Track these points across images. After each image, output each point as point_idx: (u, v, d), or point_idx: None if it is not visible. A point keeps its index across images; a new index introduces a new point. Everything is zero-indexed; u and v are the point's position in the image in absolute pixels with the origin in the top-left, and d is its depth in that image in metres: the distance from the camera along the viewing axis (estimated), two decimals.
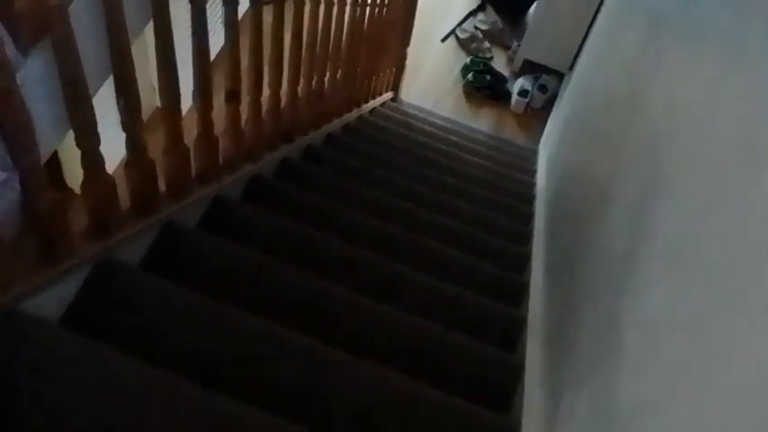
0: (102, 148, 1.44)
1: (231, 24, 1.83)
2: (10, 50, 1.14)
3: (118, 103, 1.47)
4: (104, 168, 1.47)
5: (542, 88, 4.68)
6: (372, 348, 1.73)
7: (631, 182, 1.74)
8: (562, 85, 4.61)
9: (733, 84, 1.21)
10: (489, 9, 5.11)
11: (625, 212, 1.69)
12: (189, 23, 1.66)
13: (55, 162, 2.58)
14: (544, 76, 4.72)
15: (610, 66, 2.87)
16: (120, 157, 1.65)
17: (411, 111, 4.33)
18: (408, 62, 4.38)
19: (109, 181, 1.51)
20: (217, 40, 1.97)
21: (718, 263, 0.99)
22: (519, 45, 4.78)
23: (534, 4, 4.69)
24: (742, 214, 0.97)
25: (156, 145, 1.70)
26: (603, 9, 3.88)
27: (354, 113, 3.49)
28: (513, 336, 2.11)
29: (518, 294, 2.37)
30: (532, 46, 4.67)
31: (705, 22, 1.59)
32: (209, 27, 1.68)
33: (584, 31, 4.26)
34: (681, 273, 1.14)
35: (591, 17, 4.16)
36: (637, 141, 1.84)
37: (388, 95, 4.28)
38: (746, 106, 1.09)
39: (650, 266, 1.32)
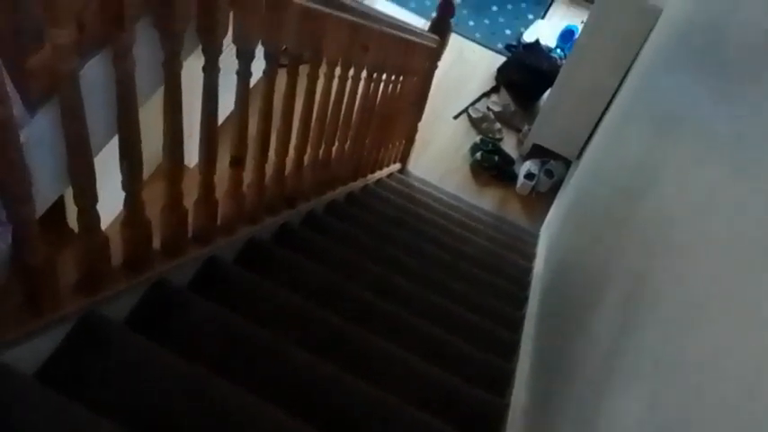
0: (101, 200, 1.46)
1: (242, 91, 1.87)
2: (17, 107, 1.17)
3: (121, 164, 1.49)
4: (99, 226, 1.49)
5: (549, 173, 4.71)
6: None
7: (621, 283, 1.75)
8: (568, 173, 4.64)
9: (732, 193, 1.22)
10: (503, 91, 5.18)
11: (613, 313, 1.69)
12: (199, 88, 1.69)
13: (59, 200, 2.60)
14: (551, 162, 4.76)
15: (614, 162, 2.90)
16: (119, 210, 1.67)
17: (417, 184, 4.36)
18: (419, 136, 4.43)
19: (102, 239, 1.52)
20: (226, 104, 2.01)
21: (701, 372, 0.99)
22: (529, 129, 4.84)
23: (548, 92, 4.76)
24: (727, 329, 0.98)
25: (155, 196, 1.72)
26: (614, 105, 3.94)
27: (360, 183, 3.52)
28: (493, 427, 2.09)
29: (503, 383, 2.35)
30: (542, 131, 4.72)
31: (709, 128, 1.62)
32: (220, 91, 1.72)
33: (594, 123, 4.31)
34: (660, 379, 1.14)
35: (601, 111, 4.22)
36: (631, 243, 1.85)
37: (395, 167, 4.32)
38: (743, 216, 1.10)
39: (629, 373, 1.32)
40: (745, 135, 1.32)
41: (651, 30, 3.64)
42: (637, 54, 3.79)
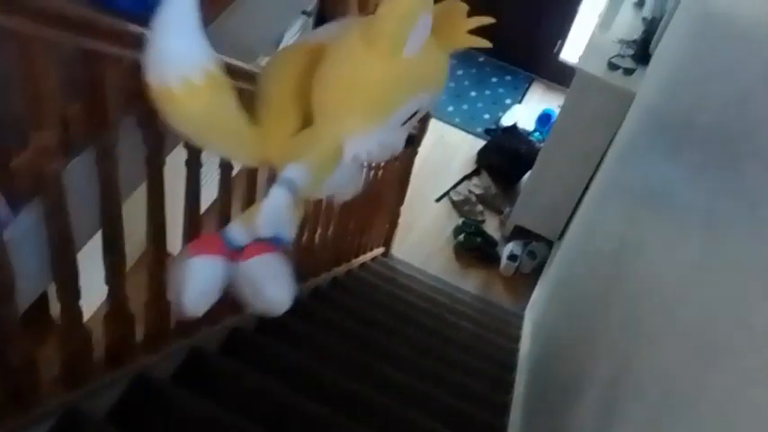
0: (84, 289, 1.47)
1: (225, 181, 1.90)
2: (1, 207, 1.19)
3: (104, 259, 1.51)
4: (81, 321, 1.50)
5: (532, 254, 4.75)
6: None
7: (604, 367, 1.76)
8: (551, 253, 4.68)
9: (710, 270, 1.24)
10: (484, 174, 5.26)
11: (595, 397, 1.70)
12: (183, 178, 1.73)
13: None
14: (534, 243, 4.81)
15: (594, 243, 2.94)
16: (102, 300, 1.67)
17: (401, 268, 4.38)
18: (401, 219, 4.47)
19: (84, 334, 1.52)
20: (209, 195, 2.04)
21: None
22: (511, 211, 4.89)
23: (528, 174, 4.84)
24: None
25: (140, 286, 1.74)
26: (592, 186, 4.01)
27: (343, 268, 3.54)
28: None
29: None
30: (524, 213, 4.78)
31: (681, 209, 1.65)
32: (203, 181, 1.75)
33: (574, 204, 4.38)
34: None
35: (580, 192, 4.28)
36: (612, 326, 1.87)
37: (379, 250, 4.34)
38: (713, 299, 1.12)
39: None
40: (714, 216, 1.36)
41: (626, 112, 3.74)
42: (613, 136, 3.88)
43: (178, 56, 1.14)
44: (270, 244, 1.28)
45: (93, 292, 1.61)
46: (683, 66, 2.49)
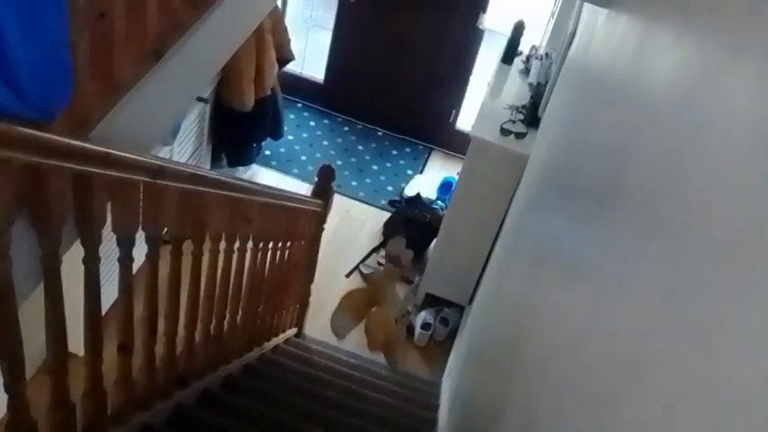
0: None
1: (126, 277, 1.87)
2: None
3: (1, 366, 1.46)
4: None
5: (444, 321, 4.79)
6: None
7: (510, 426, 1.78)
8: (462, 319, 4.74)
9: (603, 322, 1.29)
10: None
11: None
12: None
13: None
14: (446, 310, 4.86)
15: (500, 303, 3.00)
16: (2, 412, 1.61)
17: (315, 347, 4.34)
18: (313, 298, 4.45)
19: None
20: (113, 289, 2.00)
21: None
22: (420, 279, 4.95)
23: (434, 242, 4.92)
24: None
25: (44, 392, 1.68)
26: (496, 248, 4.11)
27: (255, 353, 3.48)
28: None
29: None
30: (433, 281, 4.84)
31: (571, 259, 1.72)
32: (106, 276, 1.72)
33: (481, 267, 4.47)
34: None
35: (486, 255, 4.38)
36: (516, 383, 1.91)
37: (291, 331, 4.30)
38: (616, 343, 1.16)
39: None
40: (601, 260, 1.42)
41: (521, 175, 3.87)
42: (512, 197, 4.01)
43: None
44: None
45: None
46: (566, 127, 2.61)
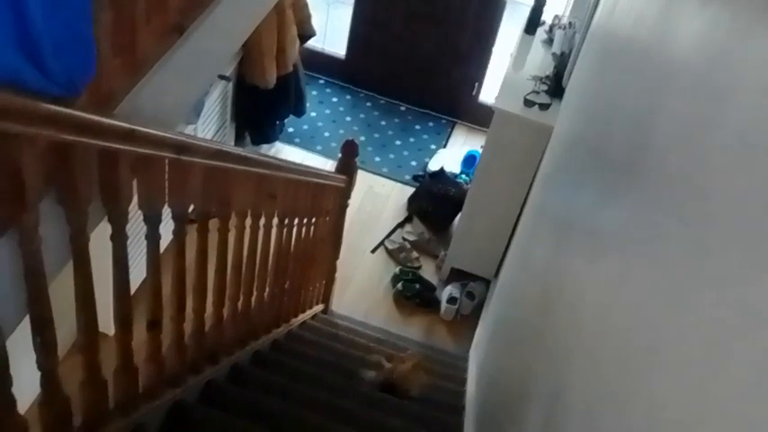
0: (19, 381, 1.43)
1: (153, 254, 1.88)
2: None
3: (34, 342, 1.47)
4: (15, 410, 1.45)
5: (470, 295, 4.79)
6: None
7: (542, 389, 1.78)
8: (489, 292, 4.73)
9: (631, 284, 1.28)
10: (416, 220, 5.30)
11: (537, 421, 1.72)
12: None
13: None
14: (471, 284, 4.85)
15: (526, 275, 2.98)
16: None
17: (342, 323, 4.36)
18: (338, 274, 4.46)
19: (19, 424, 1.47)
20: (140, 272, 2.02)
21: None
22: (446, 254, 4.94)
23: (458, 216, 4.90)
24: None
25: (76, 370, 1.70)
26: (521, 220, 4.08)
27: (283, 329, 3.51)
28: None
29: None
30: (458, 255, 4.83)
31: (597, 230, 1.70)
32: (135, 256, 1.73)
33: (506, 240, 4.45)
34: None
35: (511, 228, 4.36)
36: (545, 352, 1.90)
37: (318, 308, 4.32)
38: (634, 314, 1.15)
39: None
40: (626, 233, 1.41)
41: (546, 146, 3.84)
42: (536, 169, 3.98)
43: None
44: None
45: (30, 388, 1.57)
46: (590, 96, 2.58)
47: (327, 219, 3.91)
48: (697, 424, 0.82)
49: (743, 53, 1.00)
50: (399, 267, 4.98)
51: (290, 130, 5.78)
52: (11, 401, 1.43)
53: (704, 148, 1.05)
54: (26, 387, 1.54)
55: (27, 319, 1.45)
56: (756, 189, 0.80)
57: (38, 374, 1.54)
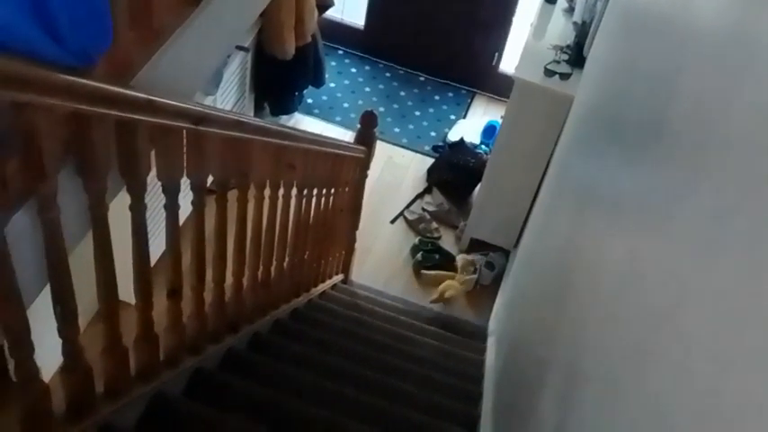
0: (43, 349, 1.45)
1: (172, 224, 1.90)
2: None
3: (54, 311, 1.50)
4: (39, 377, 1.47)
5: (490, 265, 4.78)
6: None
7: (560, 360, 1.79)
8: (508, 262, 4.73)
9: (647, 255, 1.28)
10: (435, 191, 5.30)
11: (553, 392, 1.72)
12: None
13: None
14: (491, 254, 4.84)
15: (546, 244, 2.98)
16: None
17: (361, 292, 4.38)
18: (358, 244, 4.48)
19: (43, 389, 1.50)
20: (159, 244, 2.04)
21: None
22: (465, 224, 4.93)
23: (478, 186, 4.89)
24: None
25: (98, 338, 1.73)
26: (542, 190, 4.07)
27: (303, 298, 3.53)
28: None
29: None
30: (478, 225, 4.82)
31: (616, 198, 1.69)
32: (154, 229, 1.75)
33: (526, 210, 4.43)
34: None
35: (531, 198, 4.34)
36: (566, 321, 1.90)
37: (338, 278, 4.34)
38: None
39: None
40: (646, 200, 1.40)
41: (566, 116, 3.81)
42: (556, 140, 3.95)
43: None
44: None
45: (53, 356, 1.60)
46: (611, 65, 2.55)
47: (347, 189, 3.92)
48: (714, 391, 0.82)
49: (766, 17, 0.99)
50: (419, 238, 4.98)
51: (309, 101, 5.77)
52: (34, 369, 1.46)
53: (726, 115, 1.04)
54: (49, 355, 1.57)
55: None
56: None
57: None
